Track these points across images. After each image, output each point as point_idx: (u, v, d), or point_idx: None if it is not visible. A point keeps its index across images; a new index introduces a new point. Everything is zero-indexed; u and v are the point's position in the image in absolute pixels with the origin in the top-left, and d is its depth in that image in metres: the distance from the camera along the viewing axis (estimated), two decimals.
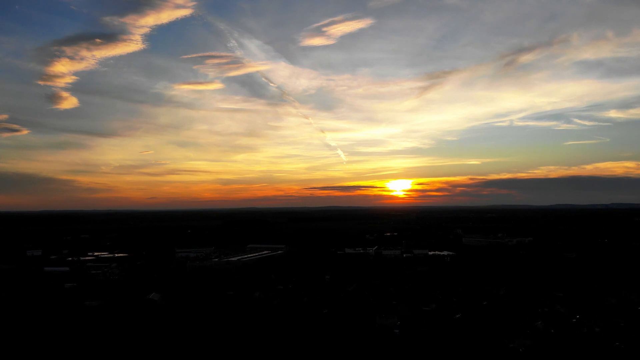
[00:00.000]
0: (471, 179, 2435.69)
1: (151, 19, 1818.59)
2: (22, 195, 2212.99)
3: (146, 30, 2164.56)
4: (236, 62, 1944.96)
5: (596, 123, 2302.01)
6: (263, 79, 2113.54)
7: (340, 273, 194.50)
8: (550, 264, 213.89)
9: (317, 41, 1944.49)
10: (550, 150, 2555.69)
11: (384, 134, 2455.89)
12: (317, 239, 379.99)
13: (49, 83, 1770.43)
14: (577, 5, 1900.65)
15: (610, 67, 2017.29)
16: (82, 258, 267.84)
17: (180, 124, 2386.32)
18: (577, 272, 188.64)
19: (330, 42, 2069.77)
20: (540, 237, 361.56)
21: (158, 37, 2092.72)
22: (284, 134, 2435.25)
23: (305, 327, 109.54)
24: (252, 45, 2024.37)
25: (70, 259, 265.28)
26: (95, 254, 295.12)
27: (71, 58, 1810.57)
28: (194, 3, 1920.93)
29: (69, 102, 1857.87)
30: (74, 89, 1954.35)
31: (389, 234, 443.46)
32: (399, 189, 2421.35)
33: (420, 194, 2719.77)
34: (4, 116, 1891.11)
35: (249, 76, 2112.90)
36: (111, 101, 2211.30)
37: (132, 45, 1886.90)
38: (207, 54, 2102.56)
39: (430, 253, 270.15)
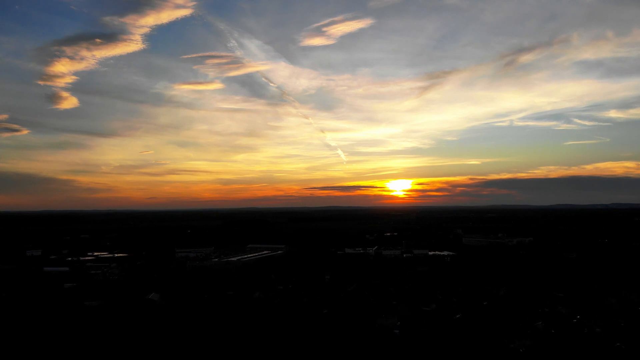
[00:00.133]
0: (471, 179, 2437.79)
1: (151, 19, 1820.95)
2: (22, 195, 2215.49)
3: (146, 30, 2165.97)
4: (236, 62, 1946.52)
5: (596, 123, 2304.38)
6: (263, 79, 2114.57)
7: (340, 273, 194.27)
8: (551, 264, 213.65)
9: (317, 41, 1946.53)
10: (550, 150, 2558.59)
11: (384, 134, 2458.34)
12: (317, 239, 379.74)
13: (49, 83, 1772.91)
14: (577, 5, 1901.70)
15: (610, 67, 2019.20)
16: (81, 258, 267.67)
17: (180, 124, 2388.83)
18: (578, 272, 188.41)
19: (330, 42, 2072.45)
20: (541, 237, 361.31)
21: (158, 37, 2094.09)
22: (284, 134, 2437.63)
23: (305, 328, 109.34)
24: (252, 45, 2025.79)
25: (70, 259, 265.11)
26: (95, 254, 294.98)
27: (71, 58, 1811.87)
28: (194, 3, 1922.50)
29: (69, 102, 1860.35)
30: (74, 89, 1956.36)
31: (389, 234, 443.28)
32: (399, 189, 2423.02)
33: (420, 194, 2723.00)
34: (4, 116, 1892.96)
35: (249, 76, 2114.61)
36: (111, 101, 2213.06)
37: (132, 45, 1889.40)
38: (207, 54, 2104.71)
39: (430, 253, 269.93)
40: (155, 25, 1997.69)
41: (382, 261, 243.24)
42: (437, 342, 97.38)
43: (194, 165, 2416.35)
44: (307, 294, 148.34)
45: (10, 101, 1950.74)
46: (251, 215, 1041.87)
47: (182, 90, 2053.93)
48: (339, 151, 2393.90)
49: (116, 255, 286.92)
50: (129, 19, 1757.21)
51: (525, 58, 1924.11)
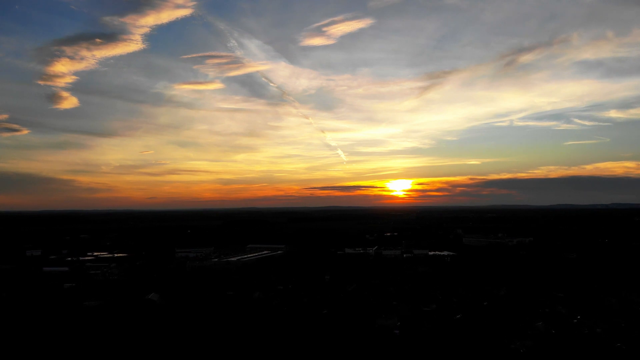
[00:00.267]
0: (471, 179, 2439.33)
1: (151, 19, 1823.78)
2: (22, 195, 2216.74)
3: (146, 30, 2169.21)
4: (236, 62, 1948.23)
5: (596, 123, 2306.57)
6: (263, 79, 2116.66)
7: (340, 273, 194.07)
8: (551, 264, 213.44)
9: (317, 41, 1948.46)
10: (550, 150, 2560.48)
11: (384, 134, 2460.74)
12: (317, 239, 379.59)
13: (49, 83, 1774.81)
14: (577, 5, 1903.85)
15: (610, 67, 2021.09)
16: (81, 258, 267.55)
17: (180, 124, 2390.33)
18: (578, 272, 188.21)
19: (330, 42, 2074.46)
20: (541, 237, 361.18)
21: (158, 37, 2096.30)
22: (284, 134, 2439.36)
23: (305, 328, 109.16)
24: (252, 45, 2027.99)
25: (69, 259, 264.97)
26: (95, 254, 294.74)
27: (71, 58, 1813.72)
28: (194, 3, 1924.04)
29: (69, 102, 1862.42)
30: (74, 88, 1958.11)
31: (389, 234, 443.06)
32: (399, 189, 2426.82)
33: (420, 194, 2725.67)
34: (4, 116, 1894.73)
35: (249, 76, 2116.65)
36: (111, 101, 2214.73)
37: (132, 45, 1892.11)
38: (207, 54, 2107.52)
39: (431, 253, 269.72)
40: (155, 25, 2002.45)
41: (382, 261, 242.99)
42: (438, 343, 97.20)
43: (194, 165, 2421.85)
44: (307, 294, 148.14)
45: (10, 101, 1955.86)
46: (251, 215, 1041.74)
47: (182, 90, 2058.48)
48: (339, 151, 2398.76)
49: (116, 255, 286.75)
50: (129, 19, 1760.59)
51: (525, 58, 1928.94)
